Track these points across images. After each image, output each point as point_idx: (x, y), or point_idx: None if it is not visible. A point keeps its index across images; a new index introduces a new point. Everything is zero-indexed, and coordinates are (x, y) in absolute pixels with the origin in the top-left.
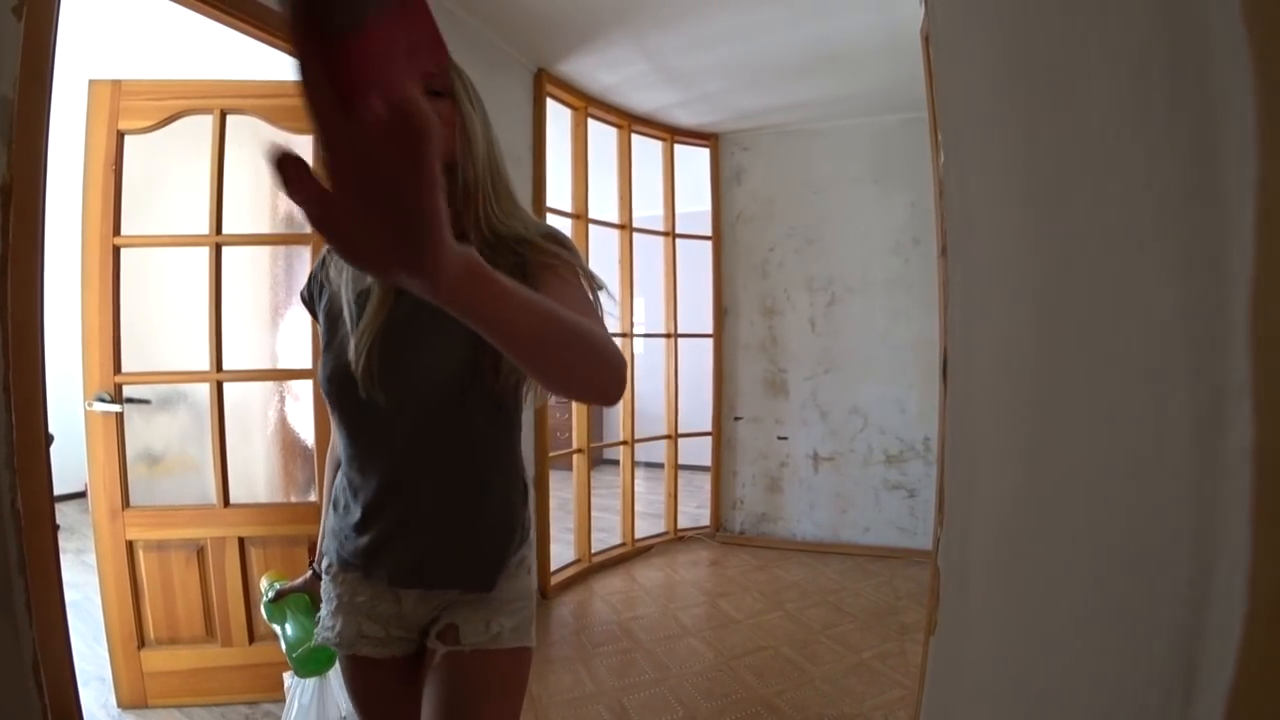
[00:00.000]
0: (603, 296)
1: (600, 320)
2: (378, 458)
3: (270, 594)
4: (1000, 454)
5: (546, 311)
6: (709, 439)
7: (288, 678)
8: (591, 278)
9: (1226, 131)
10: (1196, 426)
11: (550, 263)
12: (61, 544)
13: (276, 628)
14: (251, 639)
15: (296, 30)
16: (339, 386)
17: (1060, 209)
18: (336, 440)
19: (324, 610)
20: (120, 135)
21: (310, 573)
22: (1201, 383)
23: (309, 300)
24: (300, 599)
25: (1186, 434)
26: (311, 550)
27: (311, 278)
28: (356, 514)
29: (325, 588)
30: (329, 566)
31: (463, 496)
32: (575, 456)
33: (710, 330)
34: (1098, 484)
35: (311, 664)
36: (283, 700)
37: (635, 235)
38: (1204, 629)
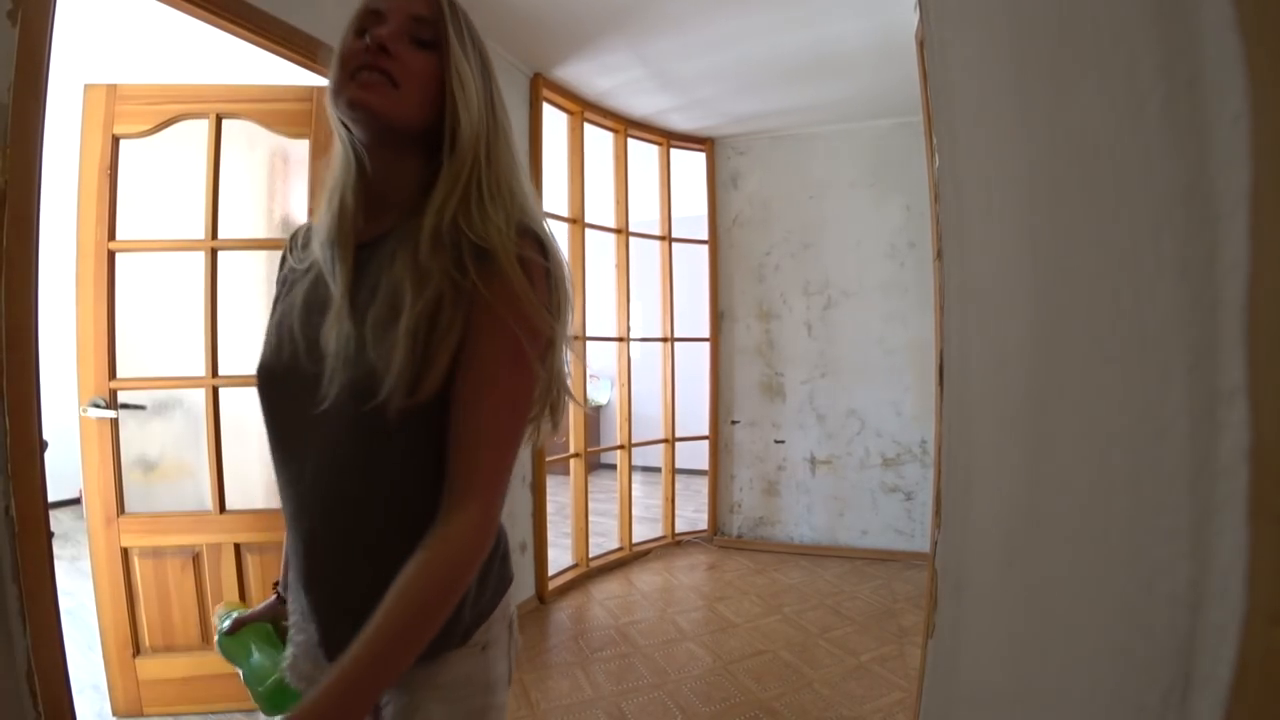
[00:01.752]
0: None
1: (517, 367)
2: (290, 485)
3: (226, 625)
4: (997, 456)
5: (370, 655)
6: (706, 443)
7: None
8: (554, 317)
9: (1220, 133)
10: (1193, 428)
11: (491, 299)
12: (56, 551)
13: (237, 665)
14: None
15: None
16: (261, 390)
17: (1055, 212)
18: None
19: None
20: (116, 140)
21: (274, 597)
22: (1198, 384)
23: (278, 287)
24: (261, 628)
25: (1183, 435)
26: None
27: (282, 260)
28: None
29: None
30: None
31: (381, 536)
32: (572, 461)
33: (707, 334)
34: (1094, 486)
35: (280, 698)
36: None
37: (632, 239)
38: (1201, 630)
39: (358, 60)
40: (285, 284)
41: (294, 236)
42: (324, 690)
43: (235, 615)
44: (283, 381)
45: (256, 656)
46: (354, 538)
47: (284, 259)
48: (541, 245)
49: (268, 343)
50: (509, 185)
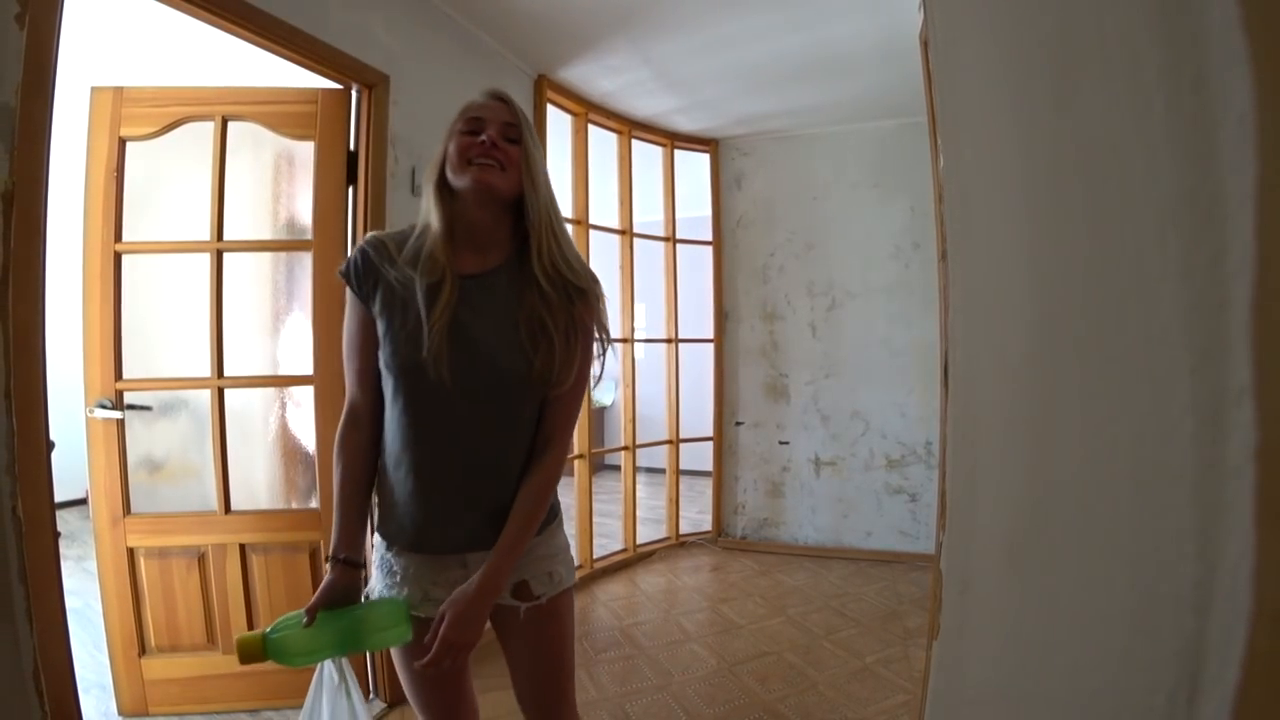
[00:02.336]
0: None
1: (571, 418)
2: (440, 436)
3: (296, 622)
4: (1002, 457)
5: (521, 537)
6: (710, 444)
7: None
8: (605, 334)
9: (1226, 133)
10: (1199, 429)
11: (587, 322)
12: (62, 551)
13: (322, 652)
14: None
15: None
16: (408, 370)
17: (1060, 212)
18: (363, 423)
19: (380, 583)
20: (122, 142)
21: (338, 569)
22: (1204, 385)
23: (360, 287)
24: (331, 612)
25: (1189, 437)
26: (315, 556)
27: (363, 263)
28: (417, 489)
29: (384, 561)
30: (387, 545)
31: (514, 468)
32: (576, 462)
33: (711, 335)
34: (1100, 487)
35: (401, 622)
36: (283, 708)
37: (636, 240)
38: (1208, 632)
39: (475, 152)
40: (383, 288)
41: (376, 248)
42: (493, 563)
43: (291, 617)
44: (437, 365)
45: (368, 609)
46: (500, 462)
47: (370, 264)
48: (599, 305)
49: (408, 337)
50: (565, 232)
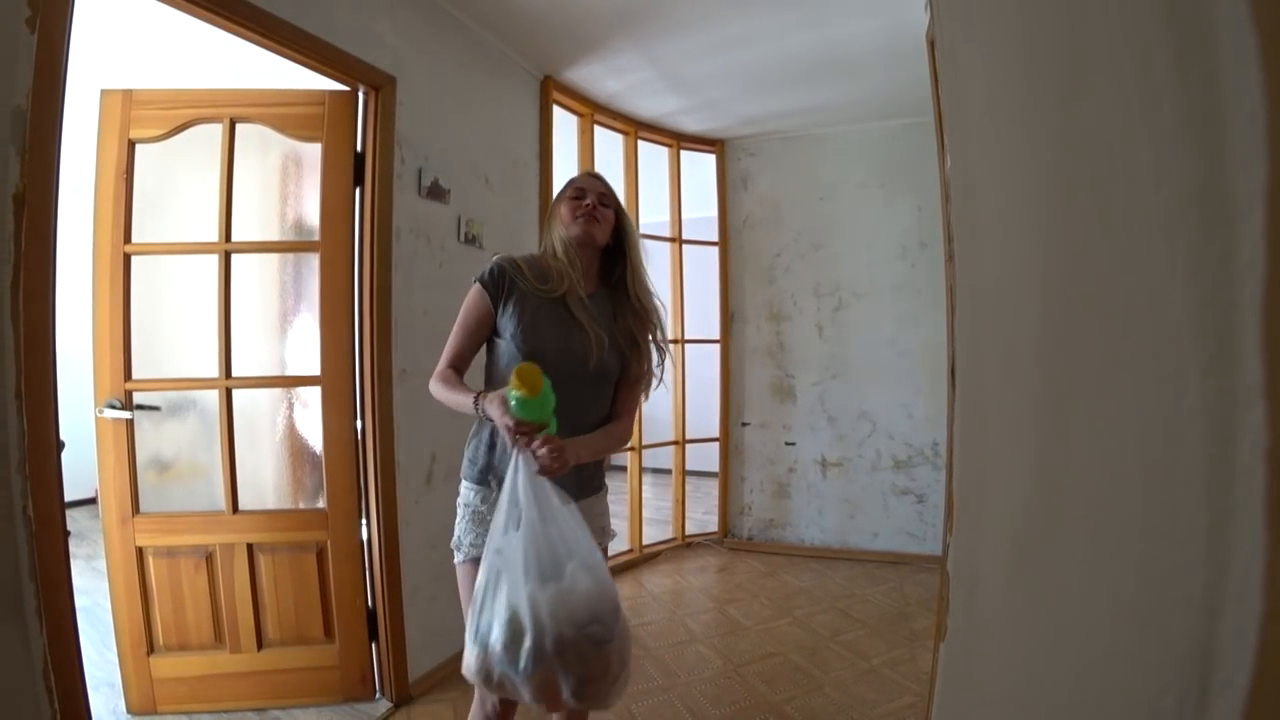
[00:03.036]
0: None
1: (637, 403)
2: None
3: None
4: (1010, 458)
5: (599, 448)
6: (717, 445)
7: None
8: (668, 345)
9: (1235, 132)
10: (1209, 430)
11: (651, 335)
12: (72, 550)
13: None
14: (260, 645)
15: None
16: (539, 348)
17: (1067, 212)
18: (456, 377)
19: (465, 527)
20: (131, 144)
21: (482, 395)
22: (1214, 385)
23: (495, 291)
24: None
25: (1198, 437)
26: (322, 555)
27: (499, 274)
28: (504, 446)
29: (475, 512)
30: (482, 492)
31: (594, 431)
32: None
33: (717, 336)
34: (1109, 488)
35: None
36: (290, 707)
37: (642, 241)
38: (1218, 635)
39: (582, 211)
40: (516, 294)
41: (511, 264)
42: (577, 440)
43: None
44: (568, 353)
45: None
46: (593, 420)
47: (505, 275)
48: (664, 331)
49: (554, 328)
50: (646, 271)
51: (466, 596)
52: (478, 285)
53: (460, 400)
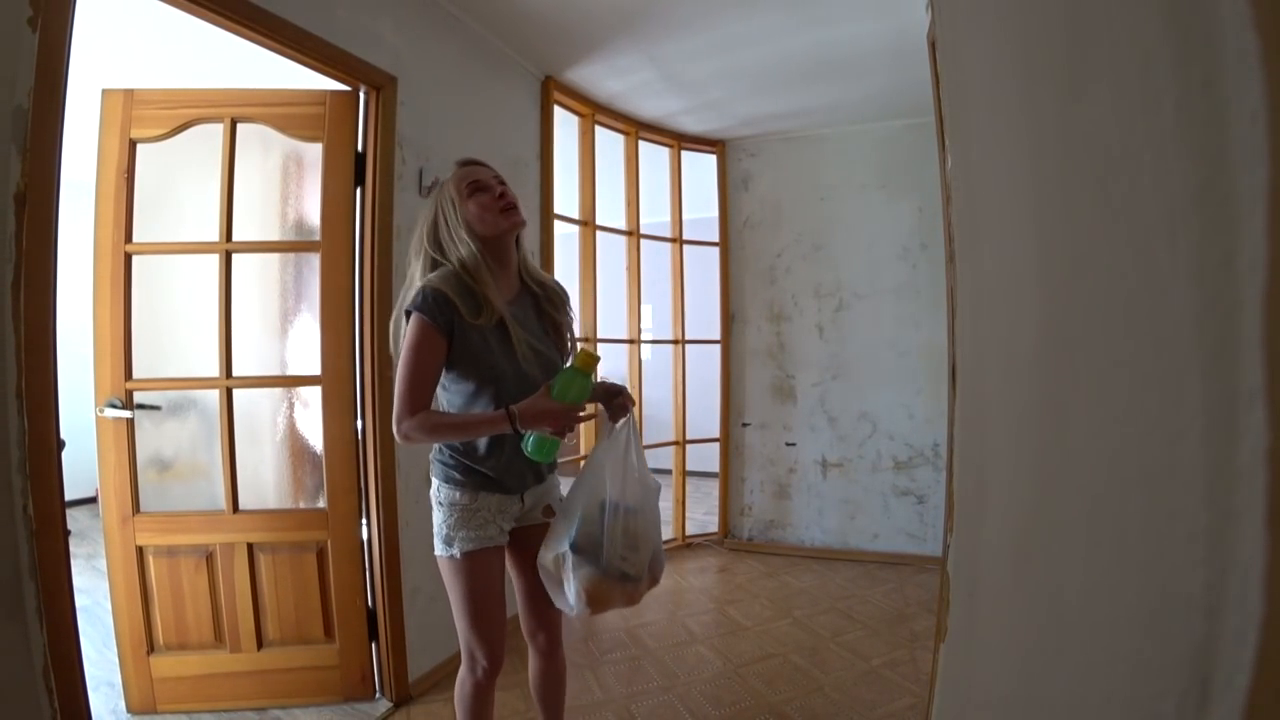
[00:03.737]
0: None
1: None
2: None
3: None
4: (1010, 460)
5: None
6: (717, 445)
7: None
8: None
9: (1236, 133)
10: (1210, 430)
11: (569, 325)
12: (72, 549)
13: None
14: (260, 645)
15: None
16: (501, 375)
17: (1068, 213)
18: (449, 409)
19: (454, 524)
20: (133, 144)
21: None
22: (1215, 386)
23: (445, 328)
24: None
25: (1199, 439)
26: (322, 555)
27: (445, 308)
28: (498, 450)
29: (464, 509)
30: (468, 494)
31: None
32: (582, 463)
33: (718, 336)
34: (1109, 490)
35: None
36: (290, 706)
37: (643, 241)
38: (1218, 636)
39: (502, 204)
40: (464, 331)
41: (444, 300)
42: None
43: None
44: (521, 374)
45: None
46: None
47: (453, 311)
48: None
49: (504, 355)
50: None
51: (466, 587)
52: (426, 322)
53: (482, 425)
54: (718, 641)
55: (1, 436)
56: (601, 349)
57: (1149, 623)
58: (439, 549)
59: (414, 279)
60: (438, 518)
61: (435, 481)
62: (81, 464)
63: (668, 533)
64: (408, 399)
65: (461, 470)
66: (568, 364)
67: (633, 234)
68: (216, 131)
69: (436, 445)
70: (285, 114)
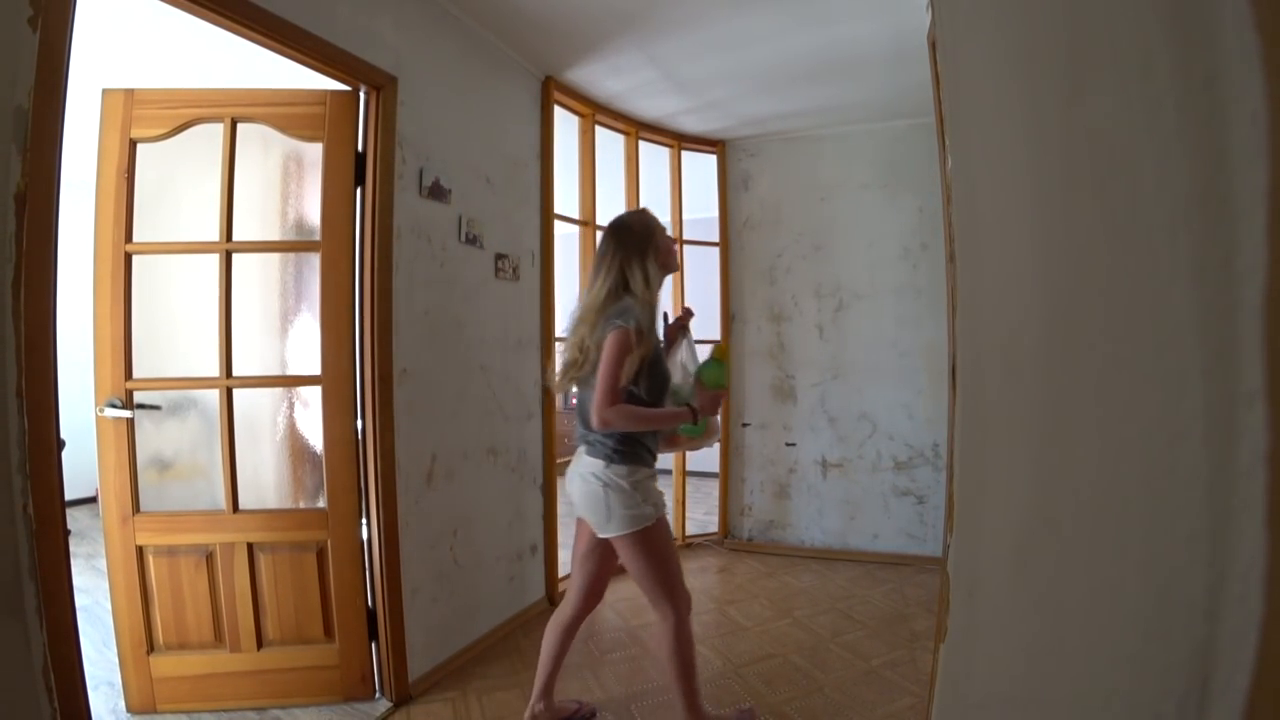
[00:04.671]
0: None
1: None
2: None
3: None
4: (1011, 460)
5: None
6: (717, 445)
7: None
8: None
9: (1236, 133)
10: (1210, 431)
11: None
12: (72, 549)
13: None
14: (260, 645)
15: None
16: (669, 379)
17: (1069, 213)
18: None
19: (642, 497)
20: (133, 143)
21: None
22: (1215, 387)
23: (657, 347)
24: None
25: (1199, 439)
26: (322, 555)
27: (650, 329)
28: (654, 440)
29: (647, 487)
30: (648, 473)
31: None
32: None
33: (718, 336)
34: (1110, 490)
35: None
36: (290, 706)
37: None
38: (1219, 636)
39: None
40: (655, 354)
41: (651, 322)
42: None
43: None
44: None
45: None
46: None
47: (650, 329)
48: None
49: (667, 388)
50: None
51: (666, 545)
52: (630, 335)
53: (669, 418)
54: (718, 641)
55: (1, 436)
56: None
57: (1149, 623)
58: (630, 525)
59: (601, 296)
60: (621, 499)
61: (617, 467)
62: (81, 464)
63: None
64: (613, 393)
65: (645, 452)
66: (707, 358)
67: None
68: (216, 131)
69: (614, 438)
70: (285, 114)
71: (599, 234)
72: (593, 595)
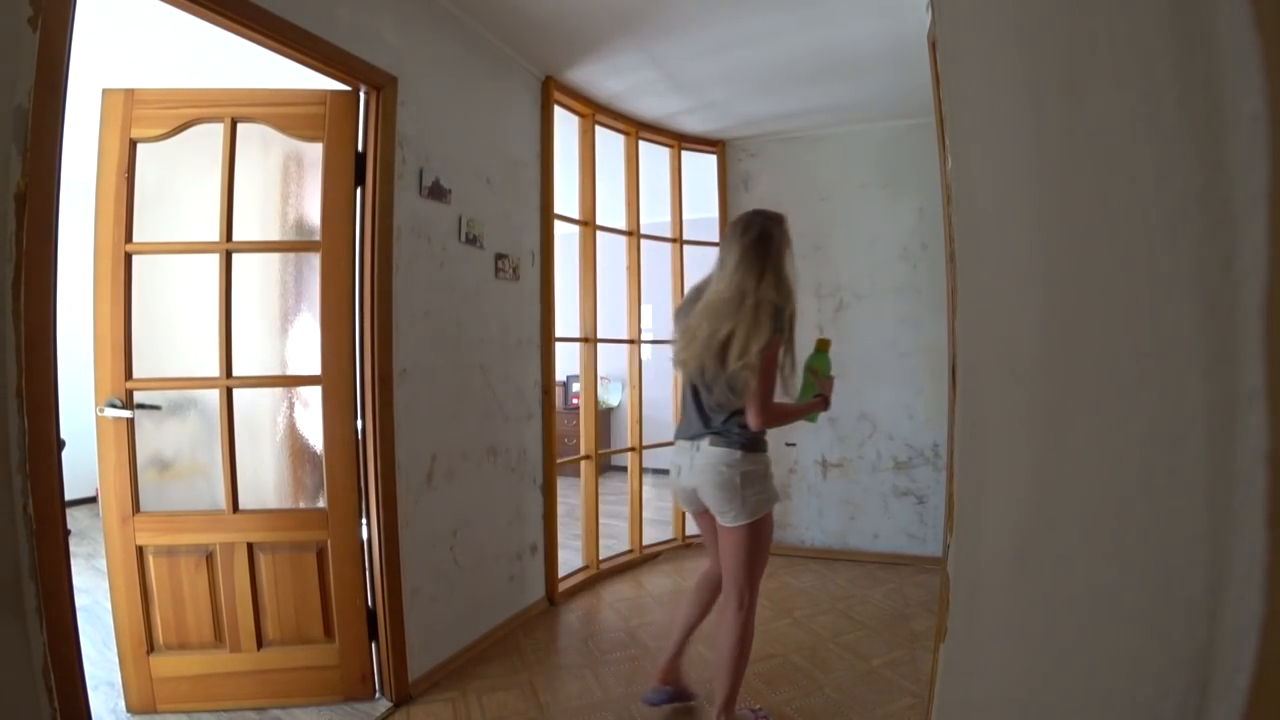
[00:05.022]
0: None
1: None
2: None
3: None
4: (1011, 460)
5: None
6: None
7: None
8: None
9: (1237, 134)
10: (1210, 432)
11: None
12: (72, 549)
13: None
14: (260, 645)
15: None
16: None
17: (1069, 213)
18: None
19: (769, 484)
20: (133, 143)
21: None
22: (1215, 387)
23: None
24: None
25: (1199, 439)
26: (322, 555)
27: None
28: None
29: (769, 469)
30: (768, 460)
31: None
32: (583, 463)
33: None
34: (1110, 490)
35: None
36: (290, 706)
37: (643, 241)
38: (1219, 637)
39: None
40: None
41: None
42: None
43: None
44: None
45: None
46: None
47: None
48: None
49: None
50: None
51: (770, 535)
52: (780, 342)
53: (810, 408)
54: None
55: (1, 436)
56: (601, 349)
57: (1149, 623)
58: (755, 513)
59: (750, 296)
60: (753, 488)
61: (752, 455)
62: (81, 464)
63: (667, 533)
64: (769, 398)
65: (764, 442)
66: (813, 352)
67: (633, 234)
68: (217, 131)
69: (750, 433)
70: (285, 114)
71: (599, 234)
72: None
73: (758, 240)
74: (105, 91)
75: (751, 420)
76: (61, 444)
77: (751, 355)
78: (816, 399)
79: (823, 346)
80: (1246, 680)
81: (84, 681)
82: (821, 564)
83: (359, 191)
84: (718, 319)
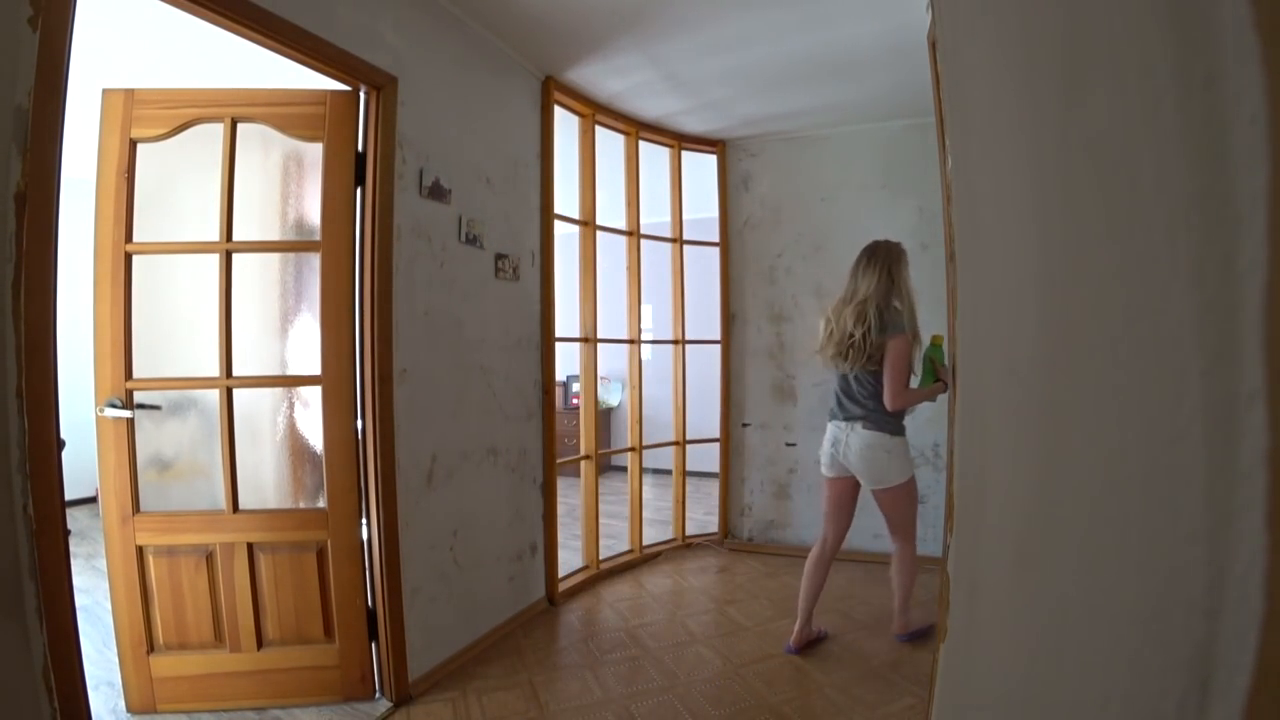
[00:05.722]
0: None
1: None
2: None
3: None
4: (1010, 460)
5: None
6: (717, 445)
7: None
8: None
9: (1237, 134)
10: (1210, 431)
11: None
12: (72, 549)
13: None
14: (260, 645)
15: None
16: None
17: (1068, 213)
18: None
19: (908, 456)
20: (133, 143)
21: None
22: (1215, 387)
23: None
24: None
25: (1199, 439)
26: (322, 555)
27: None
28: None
29: (907, 443)
30: (905, 436)
31: None
32: (583, 463)
33: (718, 337)
34: (1109, 490)
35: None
36: (290, 706)
37: (643, 241)
38: (1218, 637)
39: None
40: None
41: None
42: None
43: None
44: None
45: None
46: None
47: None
48: None
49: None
50: None
51: (917, 492)
52: (908, 338)
53: (934, 391)
54: (718, 641)
55: (1, 436)
56: (602, 349)
57: (1149, 623)
58: (904, 474)
59: (871, 302)
60: (902, 459)
61: (899, 438)
62: (81, 464)
63: (667, 533)
64: (904, 383)
65: (904, 426)
66: (930, 345)
67: (633, 234)
68: (217, 131)
69: (891, 416)
70: (285, 114)
71: (599, 234)
72: (844, 536)
73: (881, 259)
74: (105, 91)
75: (888, 402)
76: (61, 444)
77: (886, 351)
78: (938, 384)
79: (938, 341)
80: (1246, 680)
81: (84, 681)
82: None
83: (359, 191)
84: (850, 316)
